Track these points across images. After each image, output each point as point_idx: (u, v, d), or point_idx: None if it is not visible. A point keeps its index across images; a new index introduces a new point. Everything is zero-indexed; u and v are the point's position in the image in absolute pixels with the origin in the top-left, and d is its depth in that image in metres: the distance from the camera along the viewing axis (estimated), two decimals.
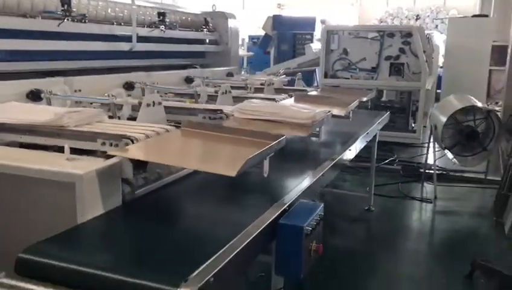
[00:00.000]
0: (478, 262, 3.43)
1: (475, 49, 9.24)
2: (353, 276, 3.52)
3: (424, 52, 7.20)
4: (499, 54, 9.53)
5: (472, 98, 5.60)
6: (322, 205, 2.17)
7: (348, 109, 3.29)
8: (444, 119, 5.22)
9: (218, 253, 1.63)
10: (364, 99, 3.98)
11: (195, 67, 5.20)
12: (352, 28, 7.78)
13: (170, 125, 2.42)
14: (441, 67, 10.74)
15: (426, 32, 8.86)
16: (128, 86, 3.63)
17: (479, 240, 4.33)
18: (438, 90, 10.16)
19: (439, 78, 10.48)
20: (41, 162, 1.98)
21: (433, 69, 8.61)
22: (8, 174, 1.95)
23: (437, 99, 9.21)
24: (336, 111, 3.20)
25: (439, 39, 11.49)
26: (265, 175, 2.09)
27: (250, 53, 11.79)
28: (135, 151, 1.97)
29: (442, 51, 10.95)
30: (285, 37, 10.58)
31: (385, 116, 4.65)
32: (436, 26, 18.09)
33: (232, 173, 1.74)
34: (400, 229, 4.49)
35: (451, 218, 4.80)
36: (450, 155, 5.40)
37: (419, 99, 7.28)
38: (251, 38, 14.06)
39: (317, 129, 3.02)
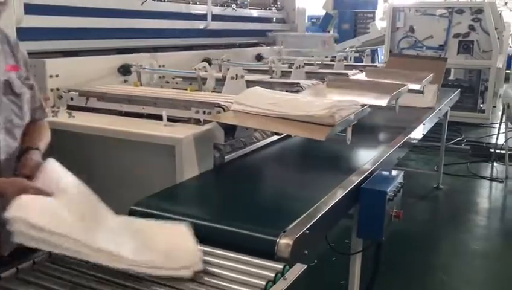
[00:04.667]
0: None
1: None
2: (425, 248, 3.56)
3: (496, 29, 6.93)
4: None
5: None
6: (403, 172, 2.24)
7: (423, 83, 3.29)
8: None
9: (310, 210, 1.75)
10: None
11: (262, 46, 5.31)
12: (419, 5, 7.59)
13: None
14: (511, 46, 10.27)
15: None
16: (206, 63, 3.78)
17: None
18: (507, 71, 9.74)
19: (509, 58, 10.02)
20: (143, 128, 2.17)
21: (503, 48, 8.25)
22: (117, 138, 2.17)
23: (506, 79, 8.84)
24: (409, 85, 3.20)
25: (509, 17, 10.95)
26: (349, 142, 2.17)
27: (309, 33, 11.70)
28: (229, 118, 2.12)
29: None
30: (346, 16, 10.42)
31: (456, 94, 4.59)
32: (506, 3, 17.17)
33: (322, 137, 1.85)
34: (471, 207, 4.44)
35: None
36: None
37: (490, 78, 7.04)
38: (310, 18, 13.94)
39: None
